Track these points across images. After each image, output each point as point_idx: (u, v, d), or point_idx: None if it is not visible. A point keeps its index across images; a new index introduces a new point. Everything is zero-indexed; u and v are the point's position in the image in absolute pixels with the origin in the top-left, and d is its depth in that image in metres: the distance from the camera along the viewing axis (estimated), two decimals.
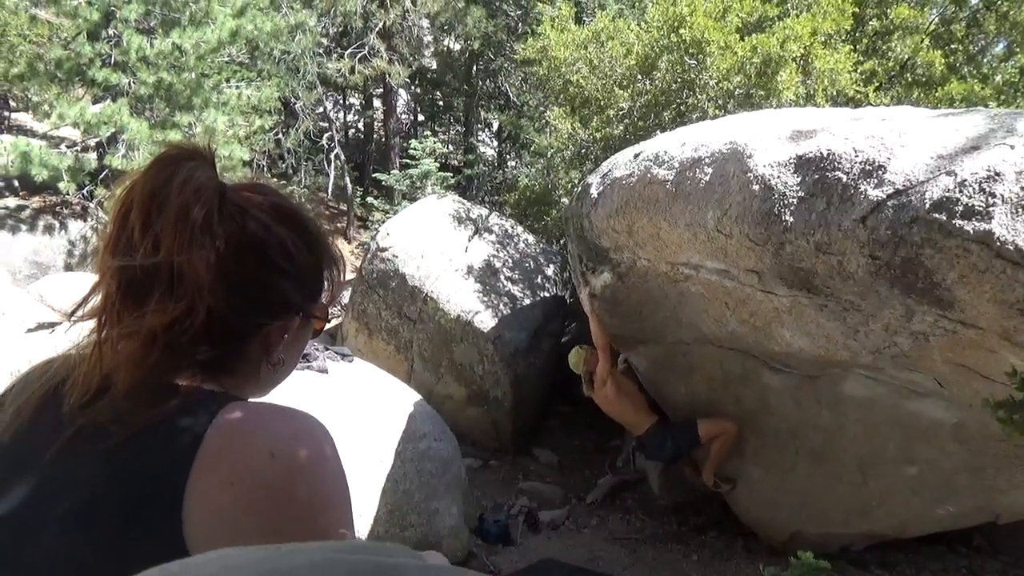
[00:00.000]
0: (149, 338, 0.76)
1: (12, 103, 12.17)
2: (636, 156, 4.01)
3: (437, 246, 7.38)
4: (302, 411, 0.80)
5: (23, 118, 12.18)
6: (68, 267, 9.30)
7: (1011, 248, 2.29)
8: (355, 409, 4.20)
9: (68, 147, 9.37)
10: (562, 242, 8.24)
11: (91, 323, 0.79)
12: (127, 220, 0.76)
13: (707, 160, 3.43)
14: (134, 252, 0.75)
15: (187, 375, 0.80)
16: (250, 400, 0.82)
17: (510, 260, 7.60)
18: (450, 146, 17.03)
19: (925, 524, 4.17)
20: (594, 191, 4.25)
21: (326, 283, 0.93)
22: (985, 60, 8.65)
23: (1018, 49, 8.41)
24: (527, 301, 7.21)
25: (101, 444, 0.71)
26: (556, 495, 6.10)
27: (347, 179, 14.27)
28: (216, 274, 0.76)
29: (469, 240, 7.61)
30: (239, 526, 0.69)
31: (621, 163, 4.14)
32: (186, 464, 0.70)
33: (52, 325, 6.20)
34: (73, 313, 0.79)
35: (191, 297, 0.75)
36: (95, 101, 9.00)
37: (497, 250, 7.63)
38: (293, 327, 0.89)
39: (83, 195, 9.29)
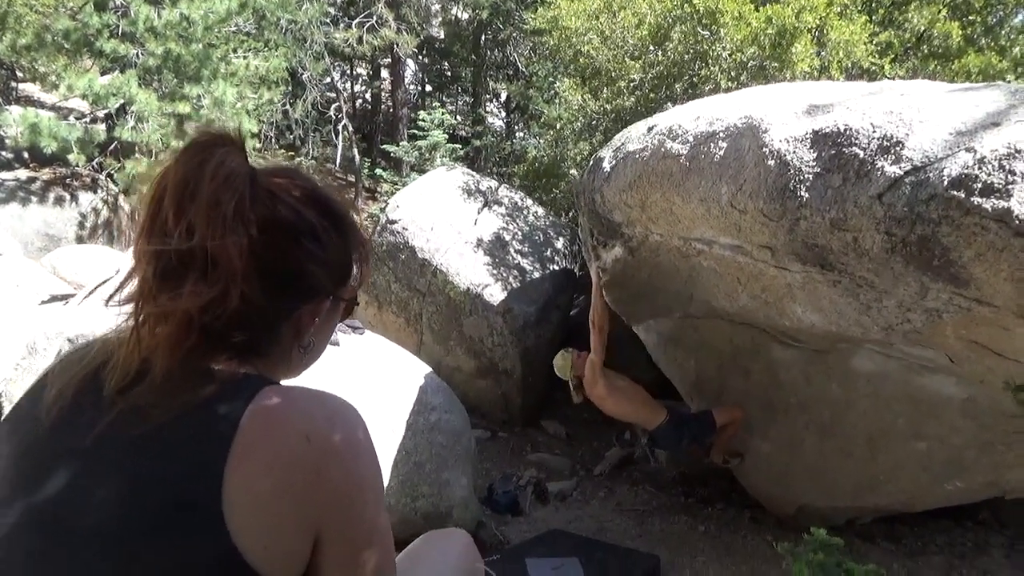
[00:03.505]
0: (185, 321, 0.77)
1: (19, 74, 12.10)
2: (650, 130, 3.98)
3: (446, 218, 7.35)
4: (335, 395, 0.81)
5: (31, 89, 12.13)
6: (79, 239, 9.33)
7: None
8: (366, 381, 4.23)
9: (77, 119, 9.33)
10: (571, 215, 8.21)
11: (128, 307, 0.80)
12: (160, 207, 0.77)
13: (722, 134, 3.40)
14: (168, 238, 0.75)
15: (223, 359, 0.81)
16: (284, 384, 0.84)
17: (519, 233, 7.58)
18: (458, 117, 16.90)
19: (933, 499, 4.19)
20: (606, 165, 4.22)
21: (355, 267, 0.94)
22: (1003, 32, 8.48)
23: None
24: (536, 274, 7.21)
25: (141, 429, 0.73)
26: (564, 466, 6.16)
27: (355, 150, 14.20)
28: (248, 260, 0.77)
29: (478, 212, 7.58)
30: (277, 510, 0.72)
31: (634, 136, 4.10)
32: (224, 450, 0.71)
33: (65, 297, 6.25)
34: (111, 299, 0.80)
35: (225, 282, 0.76)
36: (103, 72, 8.95)
37: (506, 223, 7.61)
38: (323, 311, 0.91)
39: (93, 167, 9.29)
